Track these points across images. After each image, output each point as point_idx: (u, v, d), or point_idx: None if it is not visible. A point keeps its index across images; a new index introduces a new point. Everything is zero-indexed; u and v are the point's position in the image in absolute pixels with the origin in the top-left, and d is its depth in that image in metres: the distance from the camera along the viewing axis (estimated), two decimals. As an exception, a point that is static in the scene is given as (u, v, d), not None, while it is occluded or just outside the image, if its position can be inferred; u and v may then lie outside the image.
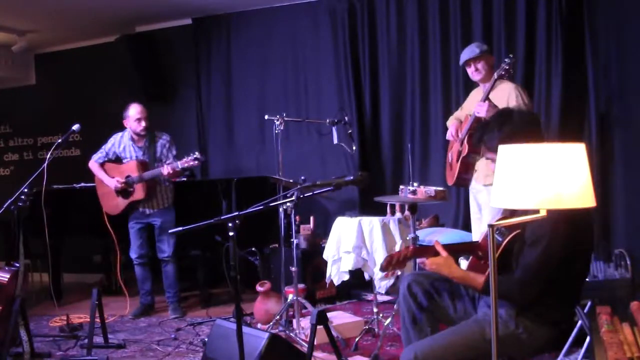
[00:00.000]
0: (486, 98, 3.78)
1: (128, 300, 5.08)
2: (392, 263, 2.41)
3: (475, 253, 2.50)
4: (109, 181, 4.82)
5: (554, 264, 2.17)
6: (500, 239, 2.42)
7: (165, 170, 4.56)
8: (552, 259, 2.16)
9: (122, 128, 4.93)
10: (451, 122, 4.28)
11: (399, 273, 4.01)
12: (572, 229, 2.11)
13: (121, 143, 4.88)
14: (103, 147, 4.96)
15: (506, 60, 3.71)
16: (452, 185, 4.22)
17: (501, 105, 3.89)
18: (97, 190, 4.99)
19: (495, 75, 3.75)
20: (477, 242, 2.54)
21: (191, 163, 4.47)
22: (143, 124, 4.75)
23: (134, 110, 4.75)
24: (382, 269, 2.46)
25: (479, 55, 3.99)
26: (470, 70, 4.10)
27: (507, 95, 3.88)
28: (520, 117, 2.37)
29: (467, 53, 4.07)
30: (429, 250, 2.42)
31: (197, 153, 4.47)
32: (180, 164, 4.51)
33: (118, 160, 4.93)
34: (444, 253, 2.37)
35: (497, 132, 2.29)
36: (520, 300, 2.21)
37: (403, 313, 2.60)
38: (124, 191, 4.81)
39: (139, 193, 4.75)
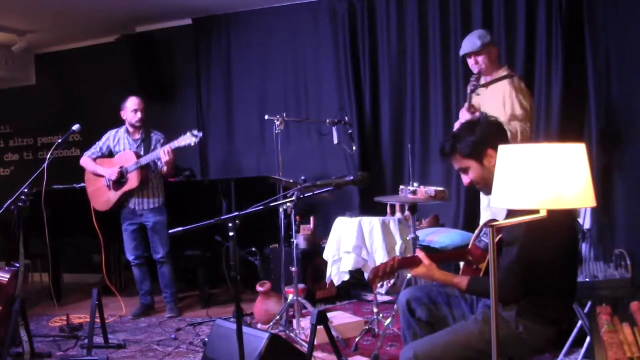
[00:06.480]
0: (469, 108, 3.83)
1: (121, 301, 5.08)
2: (378, 275, 2.42)
3: (466, 259, 2.52)
4: (103, 171, 4.82)
5: (531, 265, 2.18)
6: (486, 241, 2.42)
7: (163, 151, 4.54)
8: (527, 260, 2.18)
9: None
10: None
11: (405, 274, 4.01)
12: (546, 229, 2.10)
13: (116, 136, 4.91)
14: (96, 143, 4.98)
15: (471, 79, 3.89)
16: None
17: (497, 101, 3.88)
18: (87, 189, 4.99)
19: (468, 90, 3.87)
20: (467, 248, 2.54)
21: (188, 140, 4.44)
22: (139, 115, 4.81)
23: (131, 102, 4.83)
24: (370, 282, 2.48)
25: (480, 49, 3.96)
26: (470, 62, 4.05)
27: (501, 91, 3.88)
28: (488, 122, 2.43)
29: (468, 45, 3.99)
30: (414, 260, 2.43)
31: (194, 130, 4.47)
32: (177, 142, 4.50)
33: (111, 155, 4.93)
34: (426, 261, 2.40)
35: (470, 137, 2.35)
36: (502, 300, 2.22)
37: (403, 329, 2.63)
38: (117, 182, 4.79)
39: (132, 182, 4.73)
